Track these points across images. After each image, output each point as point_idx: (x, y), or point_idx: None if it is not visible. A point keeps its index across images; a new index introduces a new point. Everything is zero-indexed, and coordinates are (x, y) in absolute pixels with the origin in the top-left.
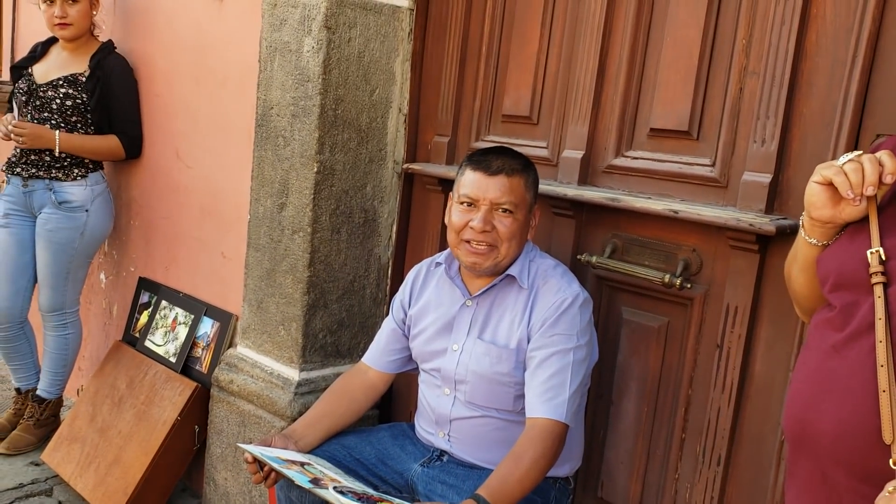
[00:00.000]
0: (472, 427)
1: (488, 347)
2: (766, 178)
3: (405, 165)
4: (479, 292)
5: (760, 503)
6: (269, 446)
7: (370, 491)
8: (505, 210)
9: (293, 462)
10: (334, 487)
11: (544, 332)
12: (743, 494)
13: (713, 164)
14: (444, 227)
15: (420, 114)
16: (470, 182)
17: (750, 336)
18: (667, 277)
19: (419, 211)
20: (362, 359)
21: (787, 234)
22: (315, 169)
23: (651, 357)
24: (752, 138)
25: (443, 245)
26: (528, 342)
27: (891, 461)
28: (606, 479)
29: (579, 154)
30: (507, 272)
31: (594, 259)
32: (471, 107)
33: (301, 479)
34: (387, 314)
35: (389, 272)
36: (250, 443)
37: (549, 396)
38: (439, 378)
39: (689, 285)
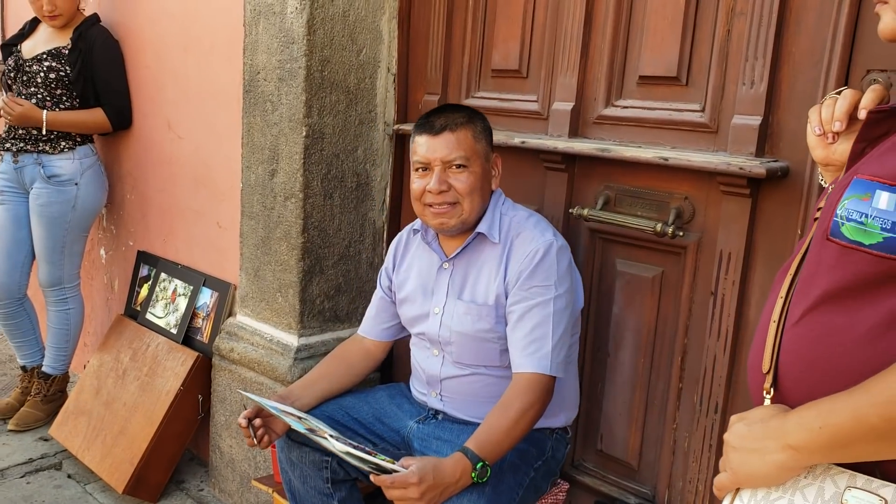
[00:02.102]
0: (462, 385)
1: (468, 307)
2: (756, 121)
3: (396, 126)
4: (454, 254)
5: None
6: None
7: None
8: (459, 166)
9: (290, 414)
10: (330, 435)
11: (521, 284)
12: None
13: (703, 110)
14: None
15: (409, 72)
16: (419, 146)
17: (744, 282)
18: (658, 226)
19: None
20: (358, 330)
21: (779, 177)
22: (304, 133)
23: (646, 308)
24: (741, 81)
25: None
26: (507, 297)
27: (763, 390)
28: (606, 432)
29: (569, 106)
30: (477, 230)
31: (586, 212)
32: (460, 63)
33: (298, 426)
34: None
35: (385, 236)
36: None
37: (532, 350)
38: (426, 340)
39: (681, 233)
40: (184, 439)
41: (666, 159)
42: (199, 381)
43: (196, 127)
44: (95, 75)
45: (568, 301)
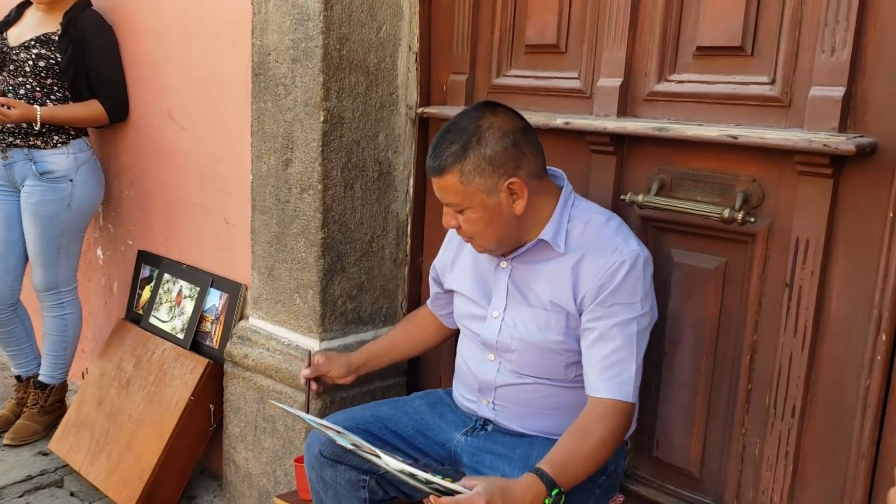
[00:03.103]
0: (519, 394)
1: (535, 313)
2: (839, 92)
3: (420, 110)
4: (515, 254)
5: (842, 455)
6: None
7: (421, 465)
8: (459, 210)
9: (330, 428)
10: (384, 452)
11: (602, 300)
12: (821, 447)
13: (772, 82)
14: None
15: (432, 50)
16: None
17: (823, 272)
18: (726, 212)
19: None
20: (427, 302)
21: (867, 154)
22: (322, 118)
23: (708, 302)
24: (820, 48)
25: None
26: (580, 309)
27: None
28: (662, 438)
29: (616, 82)
30: (539, 237)
31: (641, 198)
32: (489, 39)
33: (344, 442)
34: (409, 276)
35: (409, 230)
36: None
37: (613, 374)
38: (480, 343)
39: (752, 220)
40: (195, 452)
41: (735, 137)
42: (210, 390)
43: (200, 116)
44: (89, 64)
45: (651, 319)
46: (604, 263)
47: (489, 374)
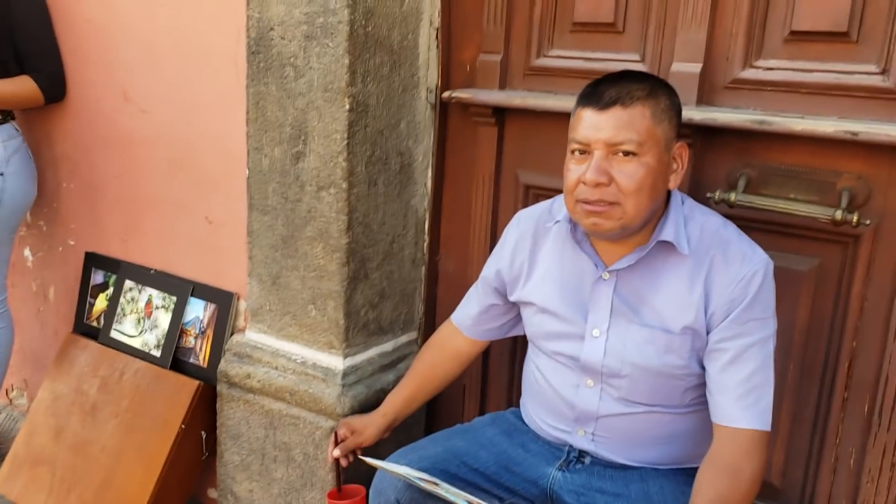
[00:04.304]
0: (627, 424)
1: (653, 334)
2: None
3: (447, 93)
4: (622, 265)
5: None
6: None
7: None
8: (627, 153)
9: (426, 481)
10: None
11: (737, 317)
12: None
13: (883, 72)
14: (499, 169)
15: (452, 27)
16: (579, 123)
17: None
18: (839, 214)
19: (460, 149)
20: (452, 318)
21: None
22: (347, 106)
23: (801, 306)
24: None
25: (498, 191)
26: (709, 327)
27: None
28: None
29: (696, 67)
30: (659, 237)
31: (733, 197)
32: (527, 14)
33: (449, 497)
34: (426, 277)
35: (427, 227)
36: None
37: (752, 401)
38: (576, 368)
39: (867, 221)
40: (188, 486)
41: (855, 134)
42: (203, 415)
43: (170, 97)
44: (16, 32)
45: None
46: (735, 274)
47: (590, 403)
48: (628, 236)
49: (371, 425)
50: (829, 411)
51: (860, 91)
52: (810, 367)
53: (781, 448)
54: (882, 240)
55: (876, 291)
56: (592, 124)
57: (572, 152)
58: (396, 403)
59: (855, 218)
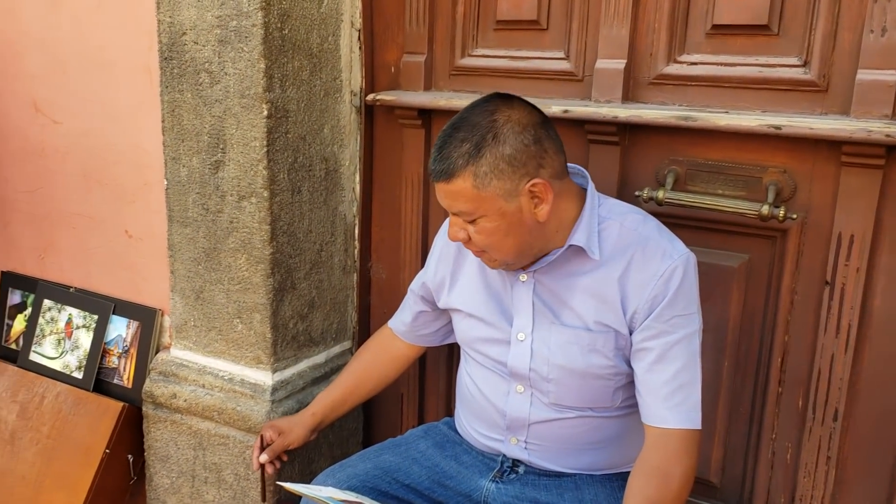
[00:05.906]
0: (559, 430)
1: (575, 334)
2: (892, 76)
3: (371, 96)
4: (537, 267)
5: (887, 458)
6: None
7: None
8: (471, 220)
9: (348, 501)
10: None
11: (659, 314)
12: (864, 451)
13: (805, 64)
14: (427, 172)
15: (375, 28)
16: None
17: (869, 269)
18: (765, 209)
19: (388, 153)
20: (389, 323)
21: None
22: (265, 112)
23: (731, 303)
24: (868, 28)
25: (428, 195)
26: (631, 326)
27: None
28: None
29: (620, 64)
30: (569, 242)
31: (661, 194)
32: (450, 13)
33: None
34: (358, 285)
35: (357, 233)
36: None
37: (680, 399)
38: (505, 374)
39: (794, 216)
40: None
41: (779, 128)
42: (128, 439)
43: (81, 108)
44: None
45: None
46: (654, 271)
47: (520, 410)
48: (536, 253)
49: (298, 425)
50: (764, 407)
51: (783, 84)
52: (744, 363)
53: (719, 445)
54: (809, 233)
55: (805, 285)
56: (438, 192)
57: None
58: (327, 403)
59: (781, 212)
